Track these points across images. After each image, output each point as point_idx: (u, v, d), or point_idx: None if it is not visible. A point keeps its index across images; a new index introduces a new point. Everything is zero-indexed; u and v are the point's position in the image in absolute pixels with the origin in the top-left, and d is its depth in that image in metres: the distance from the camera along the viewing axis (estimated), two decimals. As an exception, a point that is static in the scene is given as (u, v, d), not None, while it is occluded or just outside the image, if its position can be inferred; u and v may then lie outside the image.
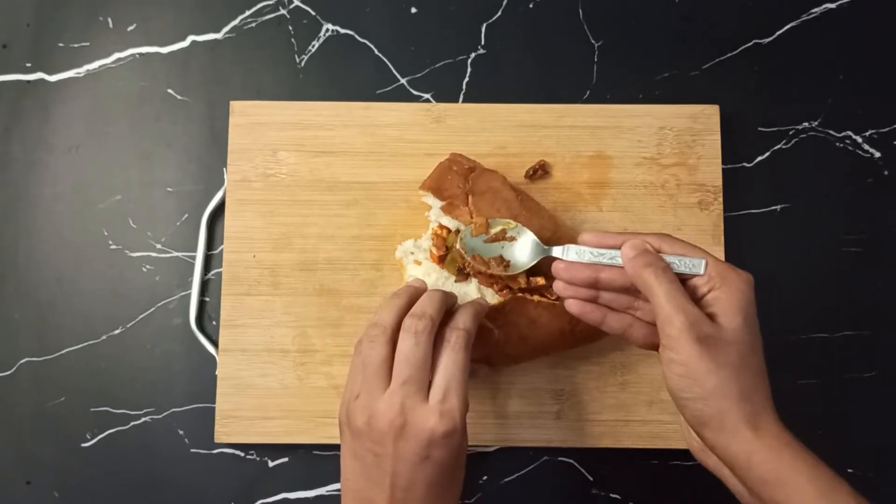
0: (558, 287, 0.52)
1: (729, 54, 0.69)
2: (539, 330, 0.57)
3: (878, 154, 0.68)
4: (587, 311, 0.51)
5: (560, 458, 0.65)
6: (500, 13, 0.70)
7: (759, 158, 0.68)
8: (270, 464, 0.65)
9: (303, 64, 0.69)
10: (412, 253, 0.60)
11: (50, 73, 0.69)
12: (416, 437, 0.45)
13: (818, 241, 0.67)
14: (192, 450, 0.64)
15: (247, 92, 0.68)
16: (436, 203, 0.59)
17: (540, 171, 0.64)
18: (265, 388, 0.63)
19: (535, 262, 0.55)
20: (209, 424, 0.63)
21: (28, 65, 0.69)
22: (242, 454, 0.65)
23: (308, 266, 0.64)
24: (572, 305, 0.52)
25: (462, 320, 0.50)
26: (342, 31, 0.69)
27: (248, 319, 0.63)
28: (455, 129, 0.65)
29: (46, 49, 0.69)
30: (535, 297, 0.57)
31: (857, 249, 0.67)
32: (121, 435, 0.64)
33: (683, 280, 0.48)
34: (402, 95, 0.68)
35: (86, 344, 0.65)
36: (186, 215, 0.67)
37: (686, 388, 0.45)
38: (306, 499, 0.64)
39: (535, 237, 0.55)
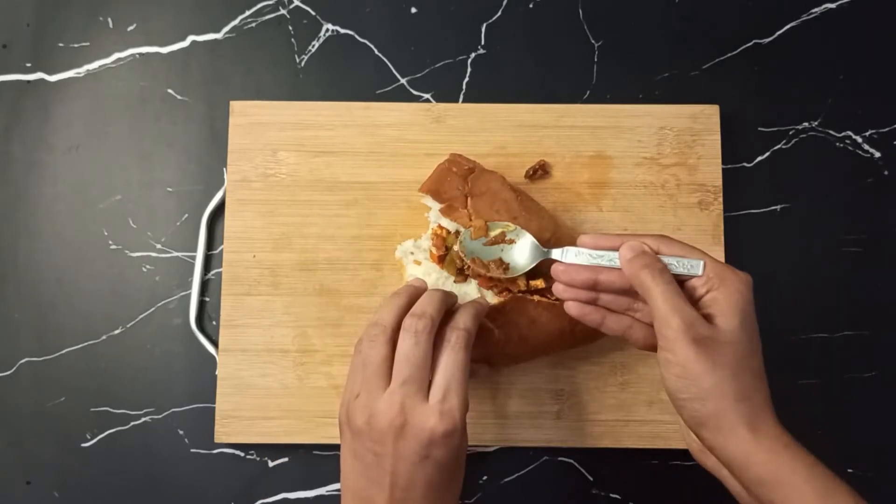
0: (557, 289, 0.52)
1: (729, 54, 0.69)
2: (539, 330, 0.57)
3: (878, 154, 0.68)
4: (586, 312, 0.51)
5: (560, 458, 0.65)
6: (500, 13, 0.70)
7: (759, 158, 0.68)
8: (270, 464, 0.65)
9: (303, 64, 0.69)
10: (412, 253, 0.60)
11: (50, 73, 0.69)
12: (416, 437, 0.45)
13: (818, 241, 0.67)
14: (192, 450, 0.64)
15: (247, 92, 0.68)
16: (435, 205, 0.59)
17: (540, 171, 0.64)
18: (265, 388, 0.63)
19: (534, 264, 0.55)
20: (209, 424, 0.63)
21: (28, 65, 0.69)
22: (242, 454, 0.65)
23: (308, 266, 0.64)
24: (571, 307, 0.52)
25: (462, 320, 0.50)
26: (342, 31, 0.69)
27: (248, 319, 0.63)
28: (455, 130, 0.65)
29: (46, 49, 0.69)
30: (536, 297, 0.57)
31: (857, 249, 0.67)
32: (121, 435, 0.64)
33: (682, 281, 0.47)
34: (402, 95, 0.68)
35: (86, 344, 0.65)
36: (186, 215, 0.67)
37: (683, 388, 0.45)
38: (306, 499, 0.64)
39: (533, 240, 0.56)
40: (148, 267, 0.66)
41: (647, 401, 0.63)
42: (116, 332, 0.66)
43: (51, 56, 0.69)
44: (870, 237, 0.67)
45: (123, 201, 0.67)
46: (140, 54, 0.69)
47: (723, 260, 0.63)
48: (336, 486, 0.64)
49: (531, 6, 0.70)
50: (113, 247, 0.67)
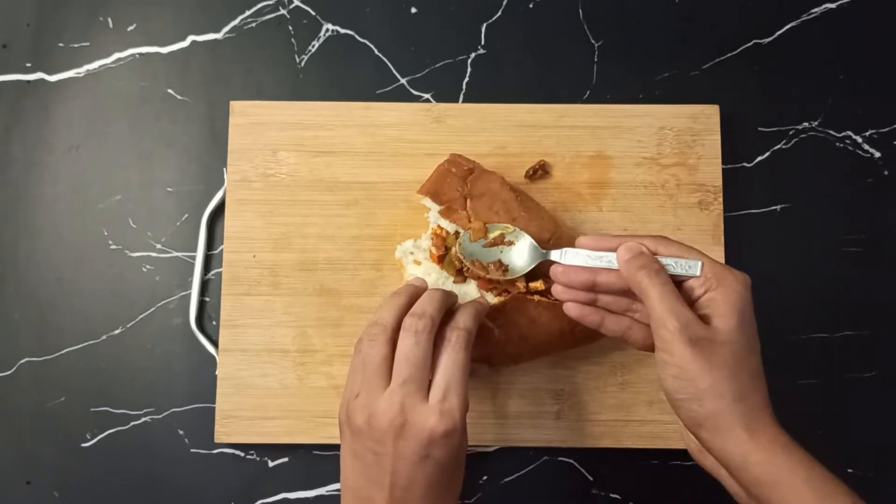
0: (556, 290, 0.52)
1: (729, 54, 0.69)
2: (539, 329, 0.57)
3: (878, 154, 0.68)
4: (586, 313, 0.52)
5: (560, 458, 0.65)
6: (500, 13, 0.70)
7: (759, 158, 0.68)
8: (270, 464, 0.65)
9: (303, 64, 0.69)
10: (412, 253, 0.60)
11: (50, 73, 0.69)
12: (416, 437, 0.45)
13: (818, 241, 0.67)
14: (192, 450, 0.64)
15: (247, 92, 0.68)
16: (434, 207, 0.59)
17: (540, 171, 0.64)
18: (265, 388, 0.63)
19: (532, 266, 0.55)
20: (209, 424, 0.63)
21: (28, 65, 0.69)
22: (242, 454, 0.65)
23: (308, 266, 0.64)
24: (571, 308, 0.52)
25: (462, 320, 0.50)
26: (342, 31, 0.69)
27: (248, 319, 0.63)
28: (455, 129, 0.65)
29: (46, 49, 0.69)
30: (536, 297, 0.57)
31: (857, 249, 0.67)
32: (121, 435, 0.65)
33: (680, 282, 0.47)
34: (402, 95, 0.68)
35: (86, 344, 0.65)
36: (186, 215, 0.67)
37: (680, 388, 0.45)
38: (306, 499, 0.64)
39: (532, 241, 0.56)
40: (148, 267, 0.66)
41: (647, 401, 0.63)
42: (116, 332, 0.66)
43: (51, 56, 0.69)
44: (870, 237, 0.67)
45: (123, 201, 0.67)
46: (140, 54, 0.69)
47: (723, 260, 0.63)
48: (336, 486, 0.64)
49: (531, 6, 0.70)
50: (113, 247, 0.67)
